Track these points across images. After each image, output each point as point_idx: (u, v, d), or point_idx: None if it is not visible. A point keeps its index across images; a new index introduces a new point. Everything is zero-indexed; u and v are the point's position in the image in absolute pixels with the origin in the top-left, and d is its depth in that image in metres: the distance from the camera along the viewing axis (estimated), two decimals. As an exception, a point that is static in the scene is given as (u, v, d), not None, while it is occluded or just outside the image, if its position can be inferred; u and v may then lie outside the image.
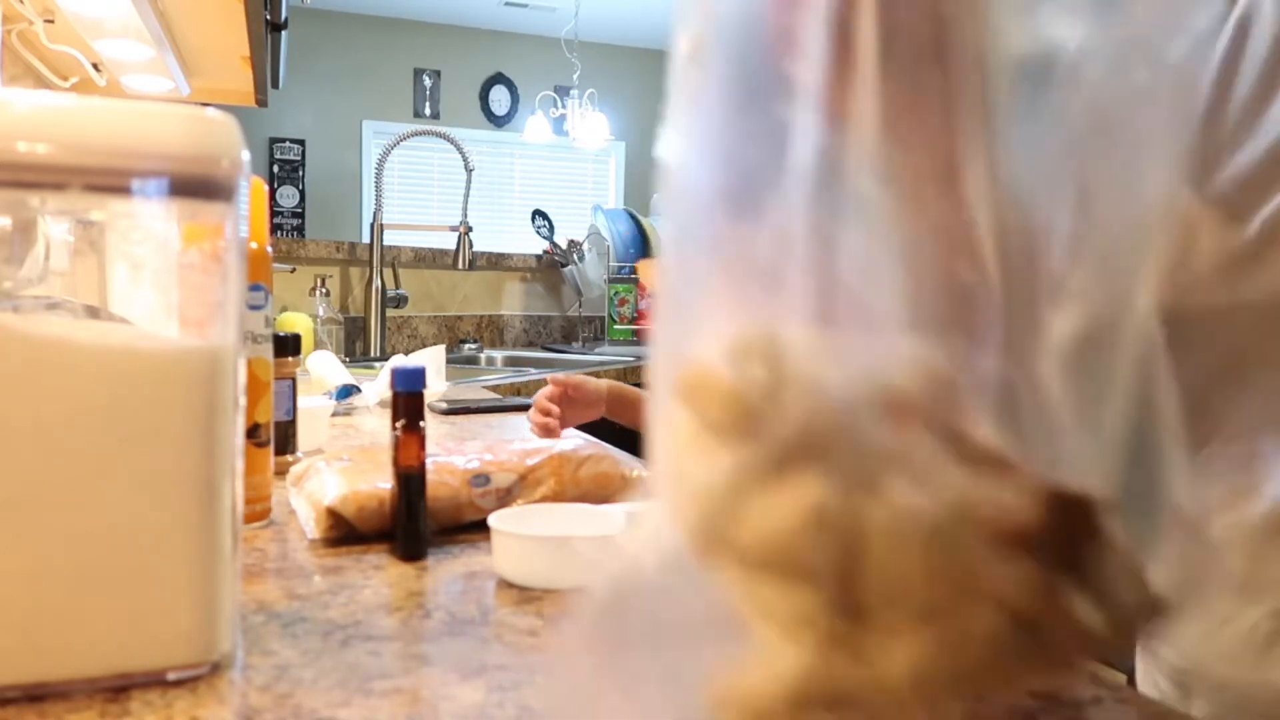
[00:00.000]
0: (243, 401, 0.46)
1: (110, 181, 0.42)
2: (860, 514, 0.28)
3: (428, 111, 6.37)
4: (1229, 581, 0.56)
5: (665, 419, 0.32)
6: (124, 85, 1.45)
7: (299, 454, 0.90)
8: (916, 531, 0.28)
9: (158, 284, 0.49)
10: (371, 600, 0.54)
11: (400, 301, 2.44)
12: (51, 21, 1.23)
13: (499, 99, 6.31)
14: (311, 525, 0.67)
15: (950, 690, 0.28)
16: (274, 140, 6.03)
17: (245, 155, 0.44)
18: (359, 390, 1.44)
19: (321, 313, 2.23)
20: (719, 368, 0.31)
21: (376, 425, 1.30)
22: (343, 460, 0.74)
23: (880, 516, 0.28)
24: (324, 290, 2.27)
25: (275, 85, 1.64)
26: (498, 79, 6.32)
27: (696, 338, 0.33)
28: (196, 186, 0.43)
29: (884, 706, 0.28)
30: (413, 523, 0.63)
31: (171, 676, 0.42)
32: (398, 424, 0.62)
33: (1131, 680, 0.65)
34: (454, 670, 0.45)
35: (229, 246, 0.44)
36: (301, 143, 6.07)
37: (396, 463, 0.63)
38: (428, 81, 6.37)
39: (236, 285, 0.45)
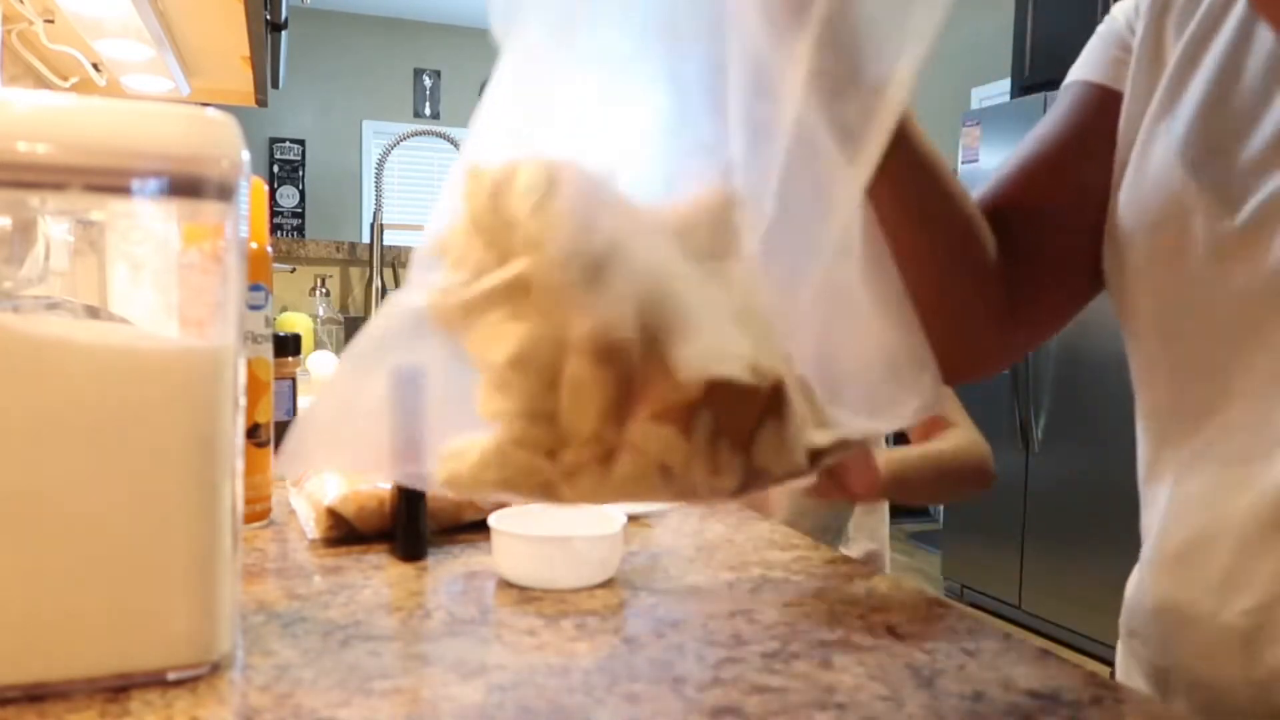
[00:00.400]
0: (243, 401, 0.46)
1: (110, 181, 0.42)
2: (558, 356, 0.34)
3: (428, 111, 6.37)
4: (1210, 577, 0.55)
5: (451, 199, 0.37)
6: (124, 85, 1.45)
7: (299, 454, 0.90)
8: (596, 387, 0.34)
9: (158, 284, 0.49)
10: (371, 600, 0.55)
11: (400, 301, 2.44)
12: (51, 21, 1.23)
13: (499, 99, 6.31)
14: (311, 525, 0.67)
15: (598, 499, 0.36)
16: (274, 140, 6.03)
17: (245, 155, 0.44)
18: (359, 390, 1.44)
19: (321, 313, 2.23)
20: (494, 180, 0.35)
21: (376, 425, 1.30)
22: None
23: (573, 365, 0.34)
24: (324, 290, 2.28)
25: (275, 85, 1.64)
26: (498, 79, 6.32)
27: (502, 141, 0.37)
28: (196, 186, 0.43)
29: (541, 494, 0.36)
30: (413, 523, 0.63)
31: (171, 676, 0.42)
32: (398, 424, 0.62)
33: (1112, 677, 0.65)
34: (454, 670, 0.45)
35: (229, 246, 0.44)
36: (301, 143, 6.07)
37: (396, 463, 0.63)
38: (428, 81, 6.37)
39: (236, 285, 0.45)
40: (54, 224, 0.55)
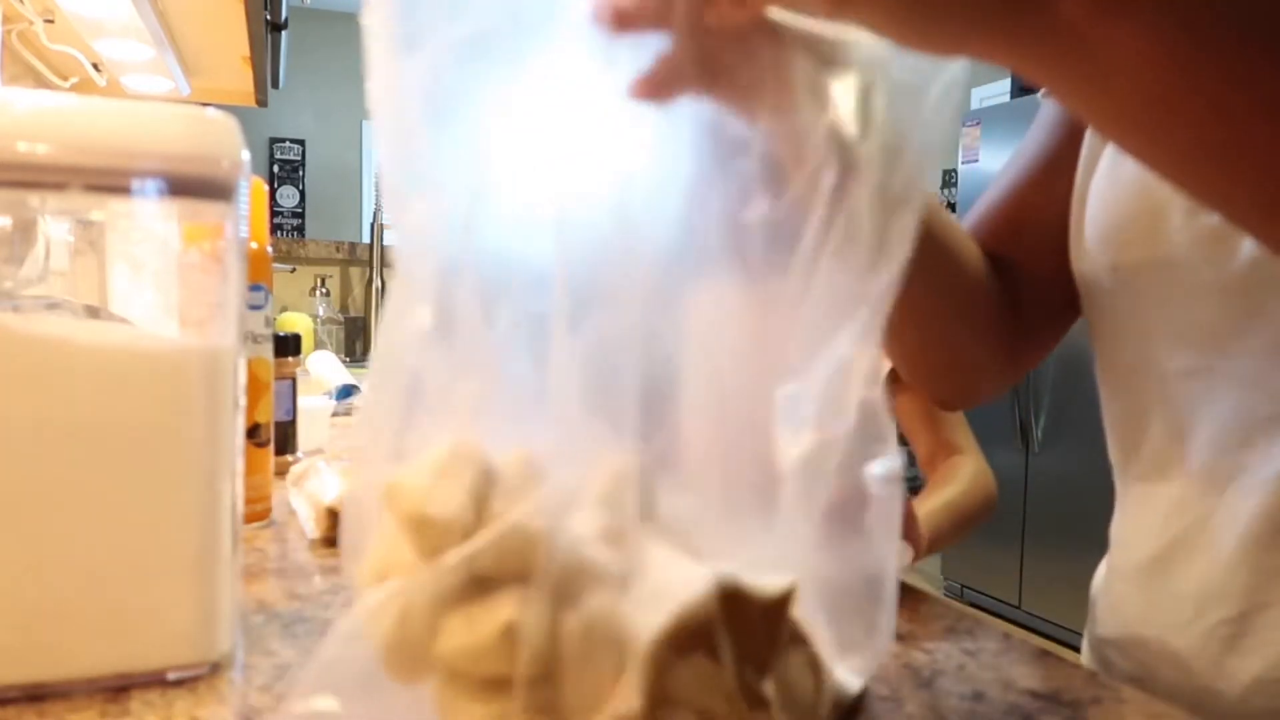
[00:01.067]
0: (243, 401, 0.46)
1: (110, 181, 0.42)
2: (555, 625, 0.29)
3: (428, 111, 6.36)
4: (1185, 589, 0.55)
5: (372, 523, 0.31)
6: (124, 85, 1.45)
7: (299, 454, 0.90)
8: (605, 638, 0.29)
9: (158, 284, 0.49)
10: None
11: (400, 301, 2.44)
12: (51, 21, 1.23)
13: (499, 99, 6.31)
14: (311, 525, 0.67)
15: None
16: (274, 140, 6.03)
17: (245, 155, 0.44)
18: (359, 390, 1.45)
19: (321, 313, 2.23)
20: (425, 482, 0.30)
21: (376, 425, 1.30)
22: (343, 460, 0.74)
23: (574, 626, 0.29)
24: (324, 290, 2.28)
25: (275, 85, 1.64)
26: (498, 79, 6.32)
27: (414, 440, 0.32)
28: (196, 186, 0.43)
29: None
30: (413, 523, 0.63)
31: (171, 676, 0.42)
32: (398, 424, 0.62)
33: None
34: (454, 670, 0.45)
35: (229, 246, 0.45)
36: (301, 143, 6.06)
37: (396, 463, 0.63)
38: (428, 81, 6.36)
39: (236, 285, 0.45)
40: (54, 224, 0.55)
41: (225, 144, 0.43)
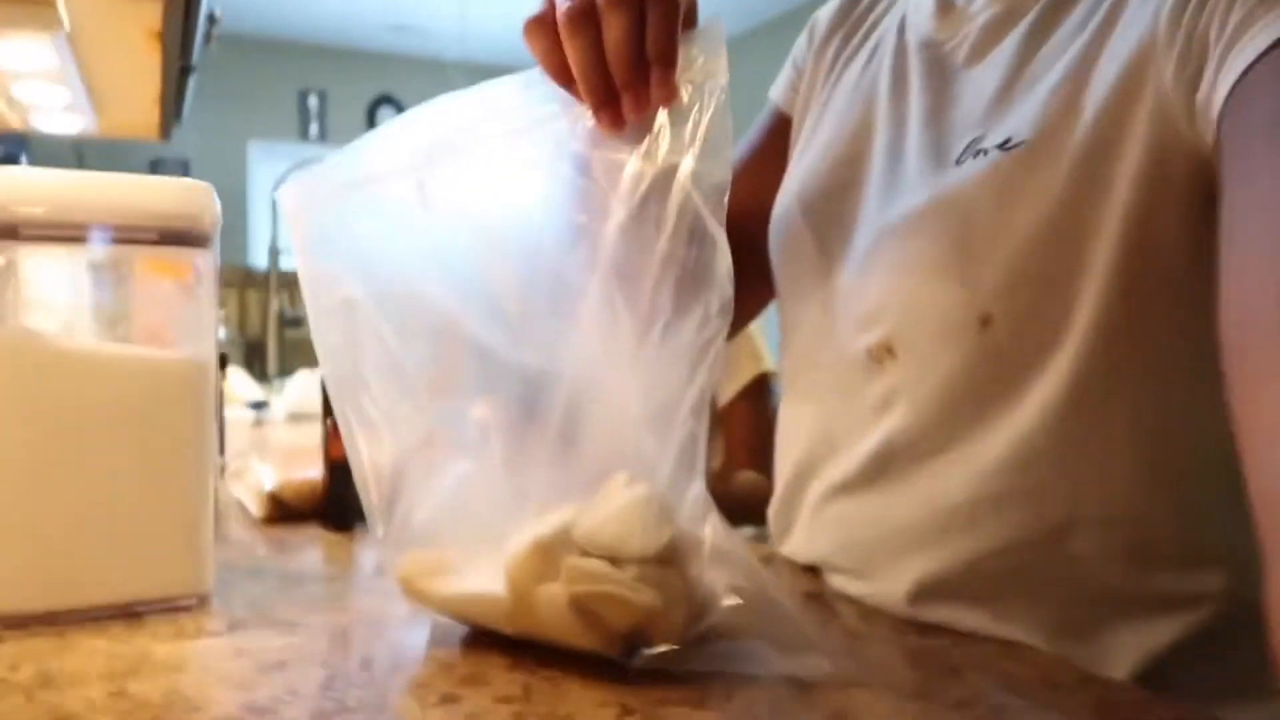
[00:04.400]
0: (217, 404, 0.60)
1: (116, 237, 0.56)
2: None
3: (314, 132, 6.38)
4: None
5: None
6: (33, 124, 1.53)
7: (224, 458, 1.02)
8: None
9: (140, 310, 0.63)
10: (314, 556, 0.69)
11: (300, 322, 2.53)
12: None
13: (387, 119, 6.36)
14: (254, 507, 0.81)
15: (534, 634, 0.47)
16: (154, 162, 5.94)
17: (218, 211, 0.59)
18: (267, 405, 1.56)
19: (222, 336, 2.31)
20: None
21: (286, 437, 1.42)
22: (269, 461, 0.88)
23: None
24: (221, 314, 2.35)
25: (178, 120, 1.72)
26: (386, 99, 6.39)
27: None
28: (183, 238, 0.57)
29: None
30: (342, 500, 0.77)
31: (177, 603, 0.56)
32: (329, 419, 0.76)
33: None
34: (386, 596, 0.59)
35: (202, 279, 0.59)
36: (185, 164, 6.00)
37: (328, 454, 0.77)
38: (314, 102, 6.38)
39: (210, 310, 0.60)
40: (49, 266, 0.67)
41: (205, 206, 0.58)
